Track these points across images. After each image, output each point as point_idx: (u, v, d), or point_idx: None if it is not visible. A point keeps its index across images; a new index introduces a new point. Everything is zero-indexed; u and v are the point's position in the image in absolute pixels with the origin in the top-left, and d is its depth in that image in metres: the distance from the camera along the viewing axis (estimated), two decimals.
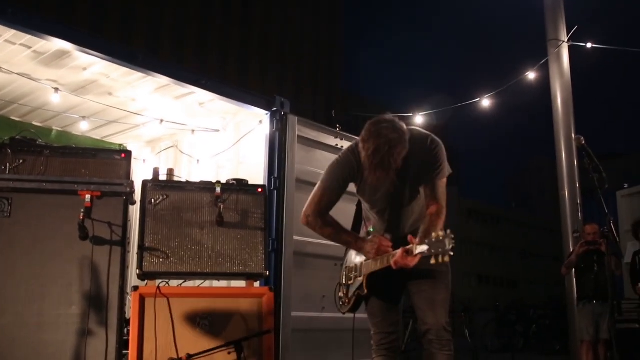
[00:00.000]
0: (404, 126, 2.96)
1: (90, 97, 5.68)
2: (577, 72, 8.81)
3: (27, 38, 4.57)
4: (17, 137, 3.96)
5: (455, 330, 14.29)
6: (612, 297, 5.07)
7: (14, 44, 4.71)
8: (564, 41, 8.18)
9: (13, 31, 4.43)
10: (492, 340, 14.19)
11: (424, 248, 2.64)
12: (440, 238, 2.56)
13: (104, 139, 6.88)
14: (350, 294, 3.25)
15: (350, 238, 3.22)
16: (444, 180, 3.08)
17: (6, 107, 6.13)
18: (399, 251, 2.80)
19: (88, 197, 3.60)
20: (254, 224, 4.01)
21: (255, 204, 4.06)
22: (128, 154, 4.18)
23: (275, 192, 4.85)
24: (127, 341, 3.72)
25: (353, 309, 3.28)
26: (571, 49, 8.30)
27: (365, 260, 3.12)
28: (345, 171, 3.17)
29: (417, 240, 2.75)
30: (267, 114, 5.35)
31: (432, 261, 2.57)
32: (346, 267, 3.36)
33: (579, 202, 7.89)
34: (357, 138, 5.52)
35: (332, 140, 5.36)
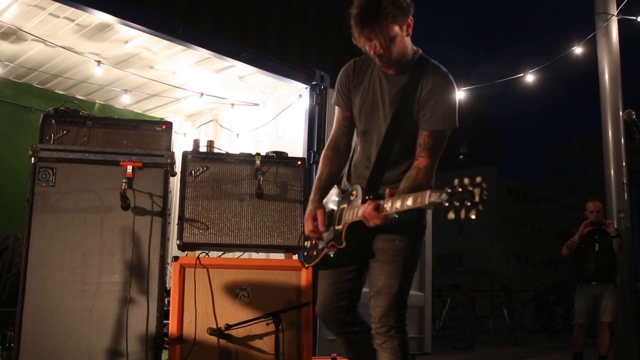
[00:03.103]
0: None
1: (131, 71, 5.74)
2: (627, 47, 8.50)
3: (70, 11, 4.62)
4: (61, 108, 4.01)
5: (493, 310, 14.24)
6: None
7: (57, 17, 4.77)
8: (613, 14, 7.88)
9: (57, 4, 4.49)
10: (530, 321, 14.03)
11: (407, 203, 2.14)
12: (467, 186, 1.95)
13: (144, 113, 6.97)
14: (320, 245, 2.70)
15: (314, 187, 2.75)
16: (445, 132, 2.57)
17: (51, 81, 6.25)
18: (369, 205, 2.33)
19: (130, 167, 3.64)
20: (293, 197, 4.00)
21: (295, 177, 4.04)
22: (169, 125, 4.20)
23: (314, 166, 4.84)
24: (168, 310, 3.78)
25: (321, 264, 2.73)
26: (620, 23, 7.99)
27: (344, 205, 2.60)
28: (342, 79, 2.74)
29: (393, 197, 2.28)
30: (306, 88, 5.33)
31: (451, 215, 1.97)
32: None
33: (625, 181, 7.66)
34: None
35: None
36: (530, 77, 7.74)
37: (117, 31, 4.97)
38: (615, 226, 6.73)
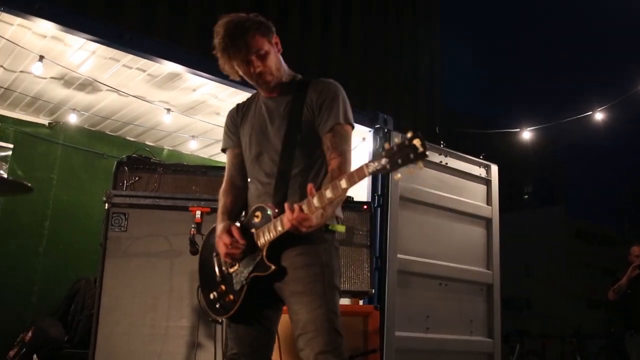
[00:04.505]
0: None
1: (199, 117, 5.91)
2: None
3: (142, 62, 4.82)
4: (133, 155, 4.15)
5: (565, 357, 13.59)
6: None
7: (130, 68, 4.98)
8: None
9: (130, 56, 4.70)
10: None
11: (342, 185, 1.97)
12: (405, 141, 1.83)
13: (211, 157, 7.12)
14: (237, 285, 2.33)
15: (219, 217, 2.49)
16: (345, 127, 2.41)
17: (122, 128, 6.49)
18: (294, 207, 2.08)
19: (198, 213, 3.71)
20: (359, 241, 3.98)
21: (361, 221, 4.03)
22: None
23: (379, 209, 4.80)
24: None
25: (244, 305, 2.32)
26: None
27: (252, 230, 2.32)
28: (227, 122, 2.69)
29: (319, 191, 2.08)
30: (370, 131, 5.33)
31: (397, 176, 1.87)
32: (215, 255, 2.48)
33: None
34: (460, 154, 5.42)
35: (436, 157, 5.25)
36: (599, 115, 7.52)
37: (185, 80, 5.15)
38: None
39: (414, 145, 1.81)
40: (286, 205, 2.12)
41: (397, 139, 1.86)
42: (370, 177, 5.29)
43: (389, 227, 4.78)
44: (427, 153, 1.81)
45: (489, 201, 5.55)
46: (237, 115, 2.64)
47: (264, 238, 2.25)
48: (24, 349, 4.82)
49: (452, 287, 5.04)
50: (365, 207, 4.10)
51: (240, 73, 2.45)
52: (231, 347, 2.41)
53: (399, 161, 1.83)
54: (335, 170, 2.28)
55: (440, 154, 5.30)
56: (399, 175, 1.88)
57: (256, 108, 2.57)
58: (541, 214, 46.23)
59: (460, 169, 5.39)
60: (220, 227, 2.40)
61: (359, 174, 1.97)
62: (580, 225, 47.54)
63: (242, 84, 4.99)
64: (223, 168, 4.73)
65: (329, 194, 2.04)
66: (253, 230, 2.32)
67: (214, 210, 3.75)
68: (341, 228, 2.37)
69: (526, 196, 61.26)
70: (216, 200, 3.79)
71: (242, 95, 5.25)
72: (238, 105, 2.70)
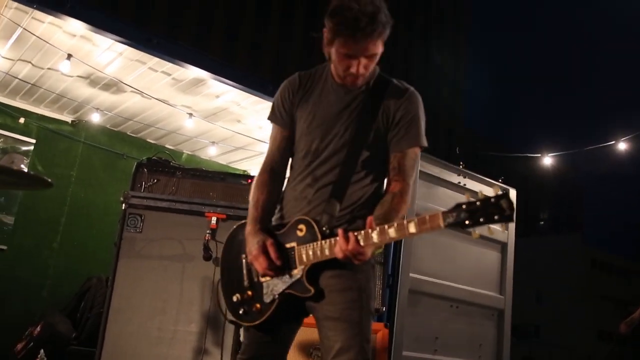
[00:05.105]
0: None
1: (220, 124, 5.94)
2: None
3: (168, 66, 4.86)
4: (153, 157, 4.17)
5: None
6: None
7: (155, 71, 5.02)
8: None
9: (156, 59, 4.75)
10: None
11: (410, 229, 1.78)
12: (490, 198, 1.69)
13: (229, 164, 7.15)
14: (268, 297, 2.17)
15: (251, 217, 2.24)
16: (417, 150, 2.22)
17: (143, 130, 6.54)
18: (348, 237, 1.91)
19: (214, 219, 3.72)
20: (374, 258, 3.95)
21: None
22: (253, 179, 4.28)
23: None
24: None
25: (271, 320, 2.18)
26: None
27: (293, 244, 2.13)
28: (283, 94, 2.32)
29: (373, 224, 1.90)
30: None
31: (476, 235, 1.72)
32: (245, 257, 2.27)
33: None
34: (479, 176, 5.39)
35: (455, 178, 5.21)
36: (622, 145, 7.45)
37: (209, 86, 5.18)
38: None
39: (501, 206, 1.67)
40: (340, 232, 1.93)
41: (480, 193, 1.70)
42: None
43: (402, 246, 4.75)
44: (513, 216, 1.66)
45: (505, 225, 5.49)
46: (298, 91, 2.29)
47: (307, 258, 2.07)
48: (32, 343, 4.84)
49: (463, 310, 4.99)
50: None
51: (334, 55, 2.11)
52: (243, 351, 2.29)
53: (481, 220, 1.68)
54: (397, 196, 2.10)
55: (458, 175, 5.26)
56: (477, 232, 1.72)
57: (323, 91, 2.26)
58: (556, 240, 45.77)
59: (478, 190, 5.34)
60: (254, 242, 2.16)
61: (432, 224, 1.78)
62: (595, 255, 46.97)
63: (265, 93, 5.05)
64: (242, 176, 4.76)
65: (392, 233, 1.86)
66: (294, 244, 2.12)
67: (230, 217, 3.77)
68: (379, 249, 2.16)
69: (542, 222, 60.72)
70: (233, 208, 3.83)
71: (265, 105, 5.29)
72: (300, 75, 2.32)
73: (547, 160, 7.60)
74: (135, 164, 4.16)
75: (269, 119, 2.38)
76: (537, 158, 7.68)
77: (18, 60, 5.11)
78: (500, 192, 1.68)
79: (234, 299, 2.26)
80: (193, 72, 4.85)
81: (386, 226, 1.87)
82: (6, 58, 5.11)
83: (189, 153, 7.07)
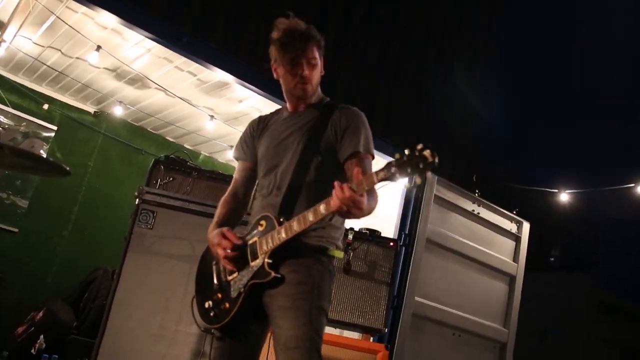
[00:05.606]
0: None
1: (240, 128, 5.95)
2: None
3: (194, 66, 4.89)
4: (171, 155, 4.18)
5: None
6: None
7: (181, 70, 5.06)
8: None
9: (183, 58, 4.78)
10: None
11: (391, 171, 1.91)
12: (415, 152, 1.88)
13: None
14: (234, 292, 2.31)
15: (212, 225, 2.52)
16: (368, 157, 2.40)
17: (164, 127, 6.58)
18: (343, 186, 2.03)
19: None
20: (380, 277, 3.92)
21: (385, 257, 3.97)
22: None
23: (404, 248, 4.74)
24: None
25: (238, 315, 2.29)
26: None
27: (254, 239, 2.31)
28: (246, 132, 2.65)
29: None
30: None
31: (407, 185, 1.91)
32: (215, 263, 2.48)
33: None
34: (493, 206, 5.34)
35: (469, 205, 5.18)
36: None
37: (233, 90, 5.21)
38: None
39: (424, 156, 1.86)
40: (336, 184, 2.05)
41: (407, 150, 1.90)
42: (401, 215, 5.18)
43: (410, 268, 4.71)
44: (436, 162, 1.85)
45: (515, 258, 5.43)
46: (258, 127, 2.62)
47: (266, 246, 2.25)
48: (33, 328, 4.86)
49: (465, 340, 4.93)
50: (391, 243, 4.04)
51: (282, 70, 2.46)
52: (214, 357, 2.39)
53: (408, 170, 1.87)
54: (357, 173, 2.16)
55: (473, 203, 5.22)
56: (408, 185, 1.91)
57: (278, 122, 2.57)
58: (565, 279, 45.12)
59: (491, 220, 5.30)
60: (214, 233, 2.42)
61: (369, 181, 2.00)
62: (604, 297, 46.14)
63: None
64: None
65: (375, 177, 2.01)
66: (256, 239, 2.30)
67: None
68: (339, 254, 2.36)
69: (552, 258, 60.06)
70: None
71: None
72: (260, 117, 2.68)
73: (564, 197, 7.52)
74: (153, 160, 4.16)
75: (234, 157, 2.71)
76: (554, 193, 7.61)
77: (48, 47, 5.18)
78: (421, 145, 1.88)
79: (206, 305, 2.42)
80: (219, 74, 4.87)
81: (370, 174, 2.02)
82: (37, 44, 5.17)
83: (207, 155, 7.09)
